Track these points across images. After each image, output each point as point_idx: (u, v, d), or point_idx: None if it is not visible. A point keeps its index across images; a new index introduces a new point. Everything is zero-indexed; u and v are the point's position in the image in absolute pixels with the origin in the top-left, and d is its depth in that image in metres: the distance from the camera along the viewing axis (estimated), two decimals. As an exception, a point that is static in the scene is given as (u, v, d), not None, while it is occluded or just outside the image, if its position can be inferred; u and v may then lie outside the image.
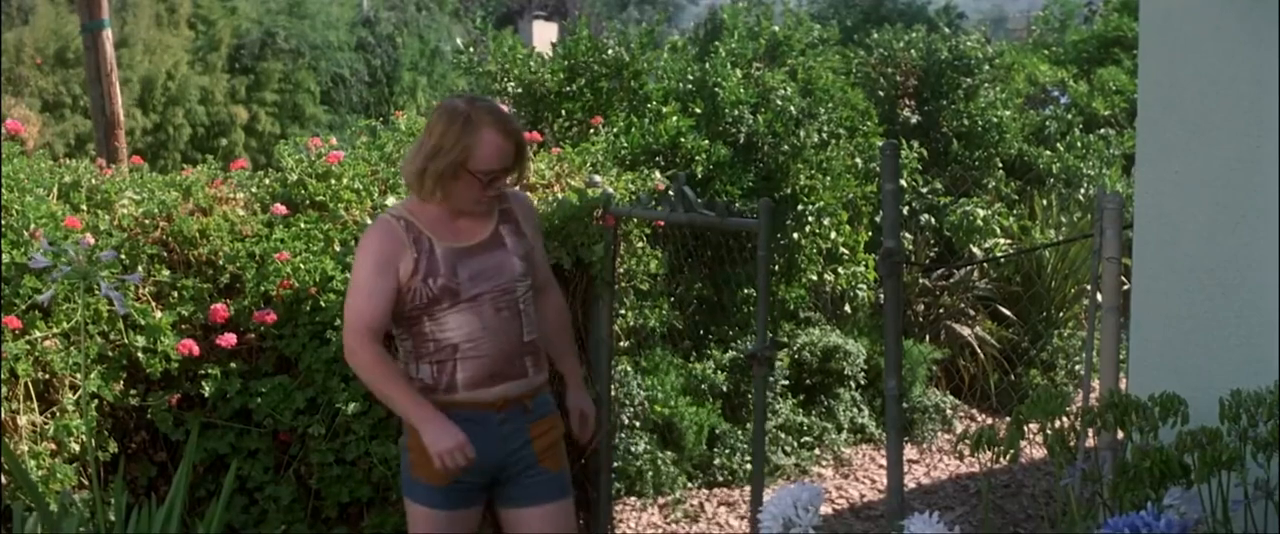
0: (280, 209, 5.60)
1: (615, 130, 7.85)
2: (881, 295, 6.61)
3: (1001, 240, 9.53)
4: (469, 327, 4.03)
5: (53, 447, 4.82)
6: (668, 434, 7.28)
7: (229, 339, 5.14)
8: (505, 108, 4.23)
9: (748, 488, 7.36)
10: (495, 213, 4.18)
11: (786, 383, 8.00)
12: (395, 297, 4.01)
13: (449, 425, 3.93)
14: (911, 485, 7.60)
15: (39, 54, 18.15)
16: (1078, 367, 8.89)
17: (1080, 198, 10.14)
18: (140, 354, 5.03)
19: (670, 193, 5.86)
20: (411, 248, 4.02)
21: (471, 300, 4.03)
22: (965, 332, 9.06)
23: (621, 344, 6.79)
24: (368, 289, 4.01)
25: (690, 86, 8.60)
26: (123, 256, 5.10)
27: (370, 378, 4.03)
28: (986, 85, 10.61)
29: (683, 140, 7.94)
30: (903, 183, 9.15)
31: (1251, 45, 3.31)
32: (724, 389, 7.71)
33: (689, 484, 7.33)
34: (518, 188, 4.33)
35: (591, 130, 7.90)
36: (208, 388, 5.12)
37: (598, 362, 6.04)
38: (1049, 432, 2.93)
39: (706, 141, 8.03)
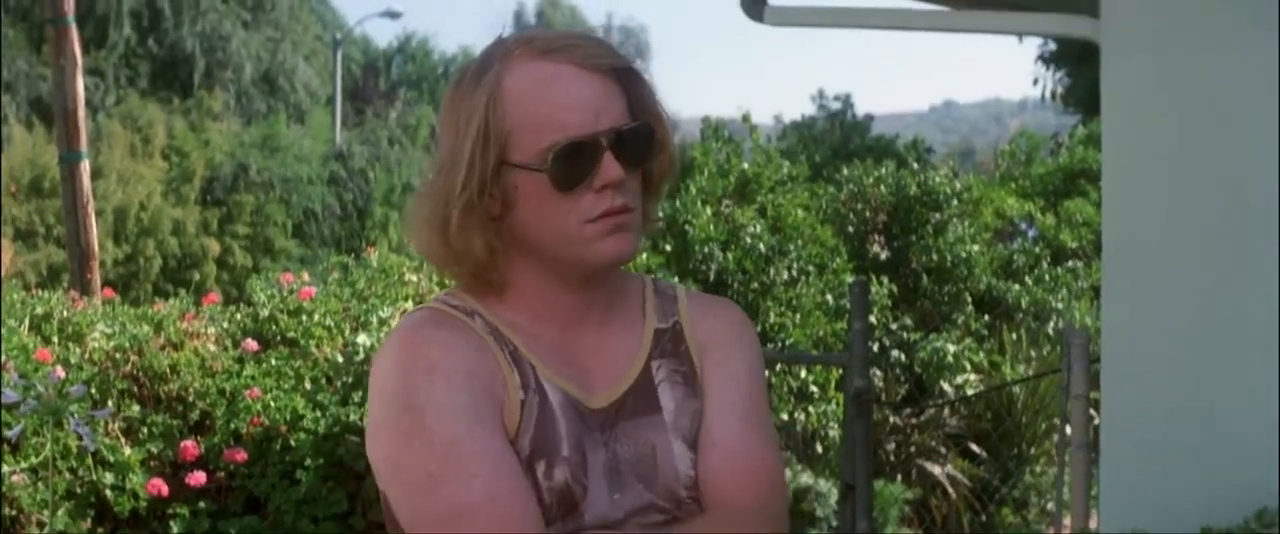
0: (251, 345, 5.58)
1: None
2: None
3: (972, 375, 9.55)
4: None
5: (17, 585, 4.76)
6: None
7: (199, 478, 5.09)
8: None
9: None
10: (644, 327, 1.88)
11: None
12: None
13: None
14: (885, 625, 7.53)
15: (14, 183, 18.18)
16: (1049, 504, 8.87)
17: (1049, 331, 10.19)
18: (109, 491, 4.98)
19: None
20: (513, 374, 1.78)
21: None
22: (936, 470, 9.03)
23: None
24: (473, 457, 1.69)
25: (660, 224, 8.65)
26: (93, 391, 5.08)
27: None
28: (955, 220, 10.71)
29: (654, 277, 7.98)
30: (872, 319, 9.19)
31: (1211, 181, 3.37)
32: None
33: None
34: (649, 197, 1.86)
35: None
36: (176, 528, 5.06)
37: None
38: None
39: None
